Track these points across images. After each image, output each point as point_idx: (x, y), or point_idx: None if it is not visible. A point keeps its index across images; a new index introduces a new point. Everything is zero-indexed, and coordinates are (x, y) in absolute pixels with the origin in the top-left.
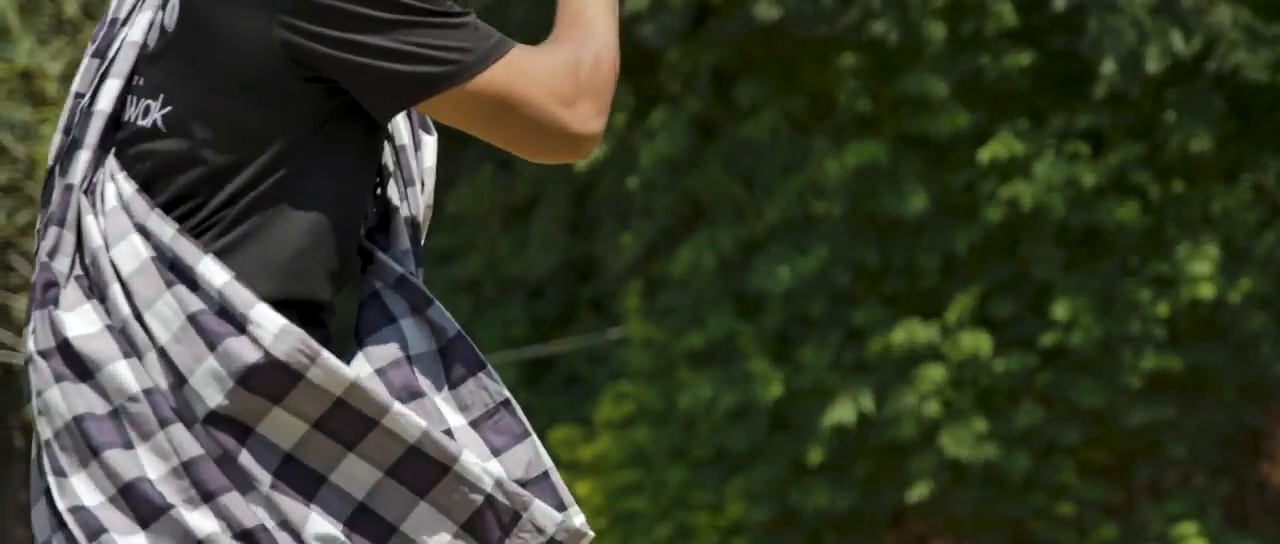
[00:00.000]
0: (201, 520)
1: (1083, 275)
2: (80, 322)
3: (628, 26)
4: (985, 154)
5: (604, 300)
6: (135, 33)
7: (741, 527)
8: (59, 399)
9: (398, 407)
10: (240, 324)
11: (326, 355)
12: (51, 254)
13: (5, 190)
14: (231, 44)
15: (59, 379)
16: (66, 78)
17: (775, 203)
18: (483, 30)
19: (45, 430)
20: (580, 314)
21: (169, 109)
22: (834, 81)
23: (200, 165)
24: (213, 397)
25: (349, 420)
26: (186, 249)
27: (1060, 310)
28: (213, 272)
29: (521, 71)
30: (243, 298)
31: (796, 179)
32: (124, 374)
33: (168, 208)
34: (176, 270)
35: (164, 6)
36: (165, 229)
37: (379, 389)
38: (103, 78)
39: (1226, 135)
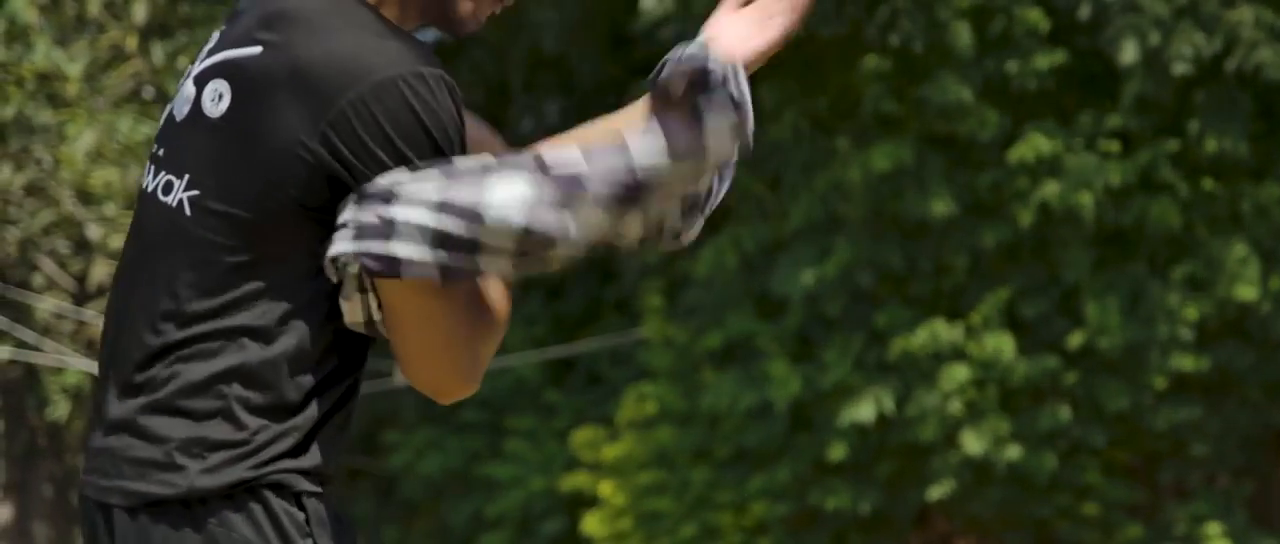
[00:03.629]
0: None
1: (1111, 275)
2: None
3: (652, 30)
4: (1015, 155)
5: (626, 300)
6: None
7: (766, 526)
8: None
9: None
10: None
11: None
12: None
13: (28, 191)
14: (276, 146)
15: None
16: (86, 79)
17: (799, 204)
18: None
19: None
20: (603, 314)
21: (196, 193)
22: (858, 83)
23: (224, 258)
24: None
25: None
26: None
27: (1089, 312)
28: None
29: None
30: None
31: (820, 180)
32: None
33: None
34: None
35: (201, 84)
36: None
37: None
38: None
39: (1254, 135)
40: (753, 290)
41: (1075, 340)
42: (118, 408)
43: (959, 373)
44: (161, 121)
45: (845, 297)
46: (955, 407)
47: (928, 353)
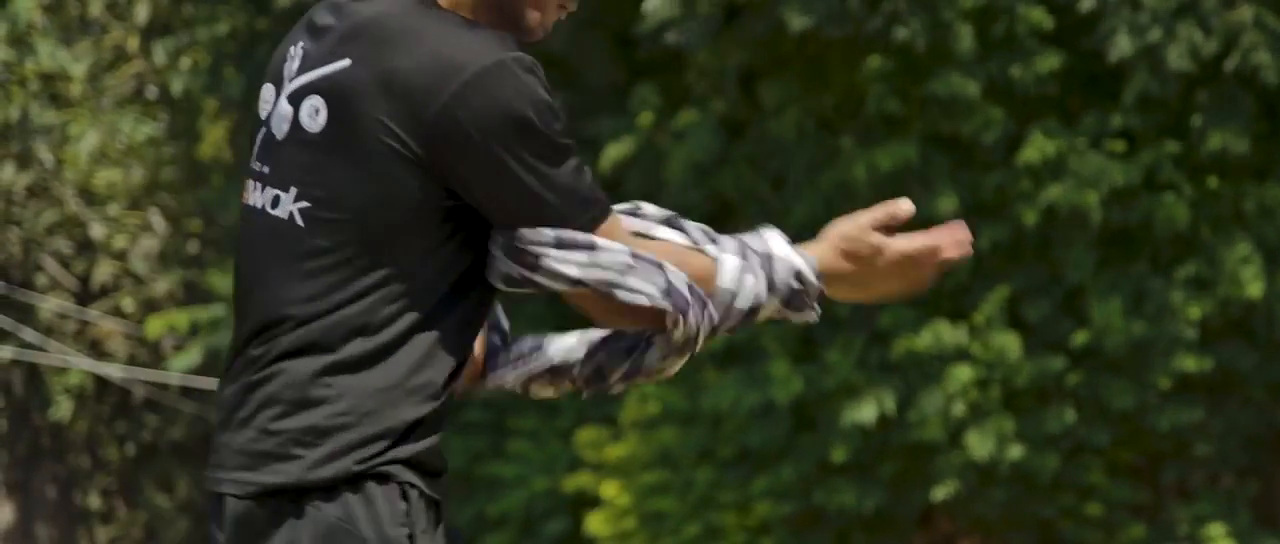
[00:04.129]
0: None
1: (1115, 275)
2: None
3: (657, 32)
4: (1020, 156)
5: None
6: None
7: (769, 526)
8: None
9: None
10: None
11: None
12: None
13: (31, 192)
14: (381, 153)
15: None
16: (89, 79)
17: (803, 203)
18: (589, 188)
19: None
20: None
21: (306, 204)
22: (862, 82)
23: (335, 262)
24: None
25: None
26: None
27: (1093, 312)
28: None
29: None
30: None
31: (824, 179)
32: None
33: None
34: None
35: (297, 103)
36: None
37: None
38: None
39: (1257, 135)
40: None
41: (1079, 340)
42: (237, 404)
43: (963, 373)
44: (257, 141)
45: None
46: (959, 407)
47: (931, 353)
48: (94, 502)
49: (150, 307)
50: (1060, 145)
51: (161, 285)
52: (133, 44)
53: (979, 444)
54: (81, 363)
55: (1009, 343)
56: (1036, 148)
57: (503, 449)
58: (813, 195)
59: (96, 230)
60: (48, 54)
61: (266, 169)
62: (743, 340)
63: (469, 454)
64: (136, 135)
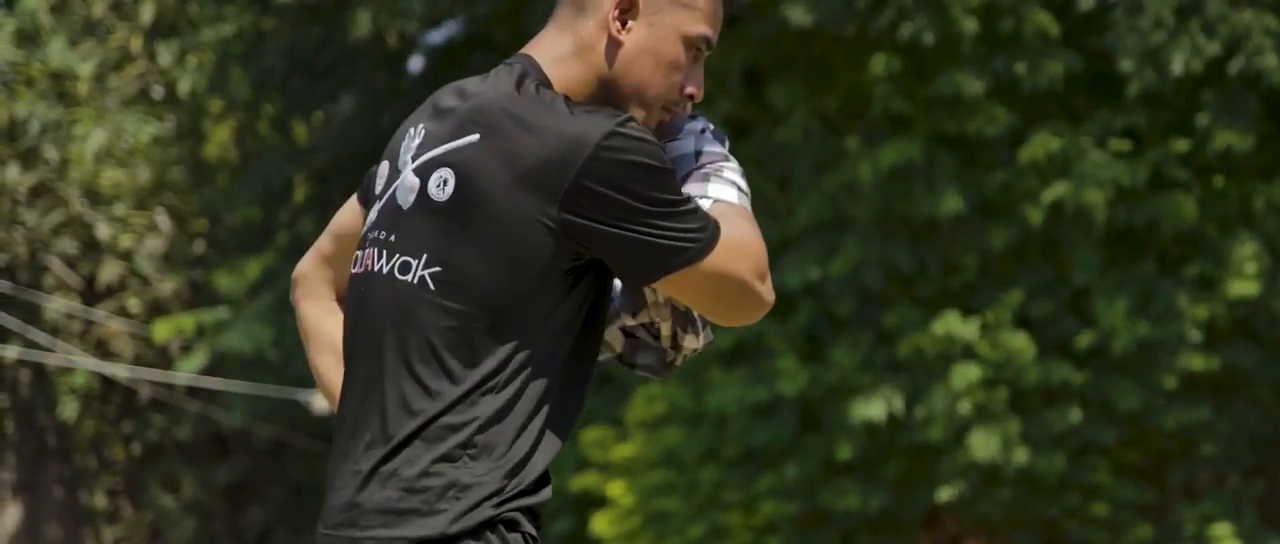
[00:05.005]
0: None
1: (1121, 275)
2: None
3: None
4: (1025, 154)
5: None
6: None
7: (774, 526)
8: None
9: None
10: None
11: None
12: None
13: (36, 191)
14: (511, 221)
15: None
16: (96, 78)
17: (807, 202)
18: (702, 214)
19: None
20: None
21: (437, 270)
22: (867, 81)
23: (464, 324)
24: None
25: None
26: None
27: (1099, 311)
28: None
29: (735, 251)
30: None
31: (829, 179)
32: None
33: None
34: None
35: (425, 175)
36: None
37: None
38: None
39: (1263, 134)
40: None
41: (1085, 340)
42: (369, 465)
43: (969, 373)
44: (375, 211)
45: (854, 296)
46: (965, 407)
47: (937, 352)
48: (100, 501)
49: (156, 307)
50: (1065, 144)
51: (167, 285)
52: (138, 44)
53: (984, 445)
54: (87, 363)
55: (1019, 343)
56: (1040, 146)
57: None
58: (818, 195)
59: (102, 230)
60: (57, 53)
61: (393, 238)
62: (749, 338)
63: None
64: (142, 135)
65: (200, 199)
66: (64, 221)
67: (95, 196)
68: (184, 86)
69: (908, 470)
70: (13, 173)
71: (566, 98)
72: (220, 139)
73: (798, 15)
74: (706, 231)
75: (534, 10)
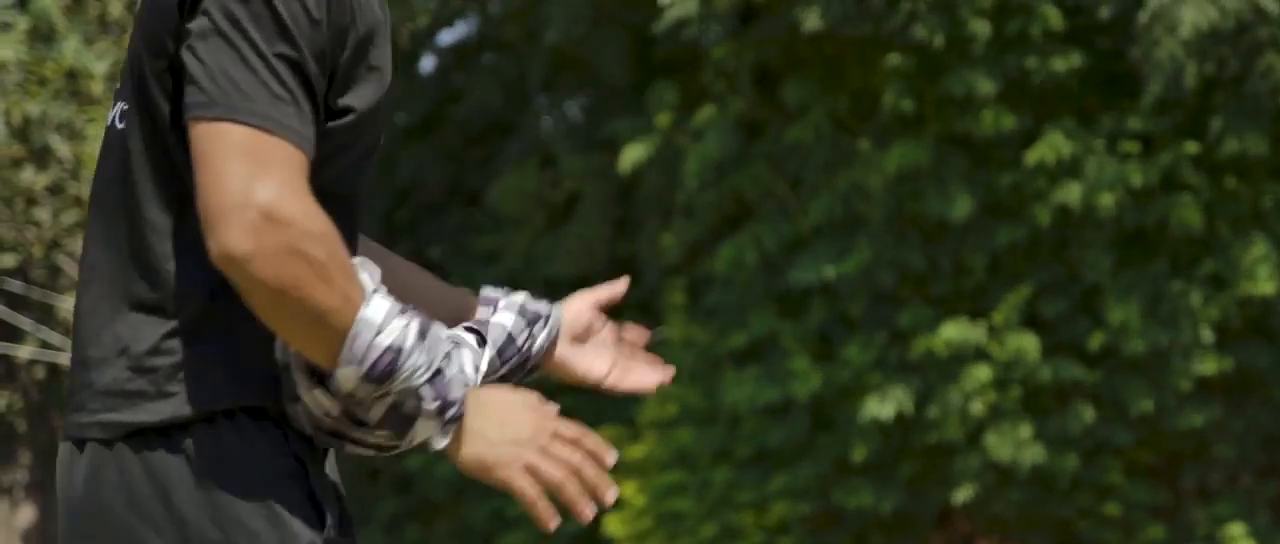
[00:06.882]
0: None
1: (1133, 276)
2: None
3: (673, 30)
4: (1035, 155)
5: (648, 300)
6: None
7: (787, 526)
8: None
9: None
10: None
11: None
12: None
13: (51, 191)
14: (153, 35)
15: None
16: (111, 77)
17: (819, 202)
18: (286, 108)
19: None
20: (624, 313)
21: (124, 106)
22: (879, 81)
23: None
24: None
25: None
26: None
27: (1111, 313)
28: None
29: (246, 149)
30: None
31: (841, 179)
32: None
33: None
34: None
35: None
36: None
37: None
38: None
39: (1275, 136)
40: (774, 289)
41: (1097, 341)
42: (97, 344)
43: (981, 373)
44: None
45: (866, 296)
46: (978, 407)
47: (950, 353)
48: None
49: None
50: (1075, 145)
51: None
52: None
53: (997, 445)
54: None
55: (1027, 344)
56: (1051, 146)
57: None
58: (830, 195)
59: None
60: (71, 52)
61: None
62: (761, 338)
63: None
64: None
65: None
66: (78, 221)
67: None
68: None
69: (921, 471)
70: (26, 172)
71: None
72: None
73: (811, 21)
74: (254, 107)
75: (544, 6)
